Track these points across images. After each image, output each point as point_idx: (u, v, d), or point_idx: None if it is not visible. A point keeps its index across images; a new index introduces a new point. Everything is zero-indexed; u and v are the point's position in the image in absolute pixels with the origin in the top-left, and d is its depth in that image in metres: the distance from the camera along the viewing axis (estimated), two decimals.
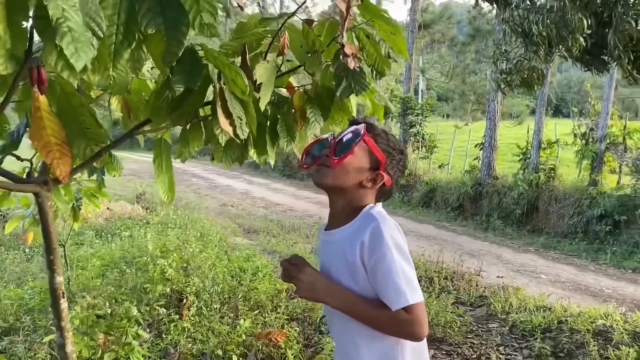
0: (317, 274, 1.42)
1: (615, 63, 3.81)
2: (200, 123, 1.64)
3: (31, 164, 1.76)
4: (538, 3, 3.78)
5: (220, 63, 1.32)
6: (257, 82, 1.46)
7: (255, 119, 1.50)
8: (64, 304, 1.82)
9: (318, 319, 4.22)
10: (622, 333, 4.07)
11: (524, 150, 11.52)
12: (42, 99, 1.29)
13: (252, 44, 1.62)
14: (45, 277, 4.61)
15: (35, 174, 1.80)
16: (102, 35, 1.06)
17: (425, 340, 1.41)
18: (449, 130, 18.26)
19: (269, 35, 1.58)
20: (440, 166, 14.74)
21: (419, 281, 5.76)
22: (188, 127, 1.64)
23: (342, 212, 1.44)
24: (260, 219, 10.11)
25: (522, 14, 3.61)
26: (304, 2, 1.63)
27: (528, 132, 11.95)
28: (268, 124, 1.74)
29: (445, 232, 10.00)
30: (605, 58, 3.89)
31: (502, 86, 4.13)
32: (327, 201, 1.49)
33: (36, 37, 1.19)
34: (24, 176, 1.79)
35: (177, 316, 3.73)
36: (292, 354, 3.42)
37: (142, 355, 2.88)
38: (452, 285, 5.80)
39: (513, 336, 4.46)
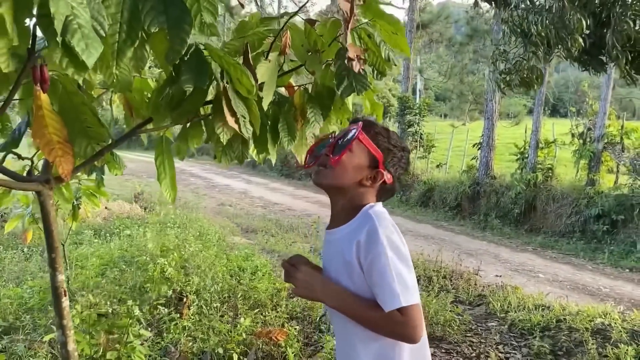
0: (314, 272, 1.42)
1: (613, 63, 3.83)
2: (200, 122, 1.65)
3: (32, 162, 1.76)
4: (537, 3, 3.80)
5: (226, 62, 1.33)
6: (259, 82, 1.47)
7: (258, 117, 1.51)
8: (65, 302, 1.82)
9: (318, 318, 4.23)
10: (621, 331, 4.09)
11: (522, 149, 11.55)
12: (44, 97, 1.29)
13: (253, 43, 1.63)
14: (44, 276, 4.63)
15: (36, 172, 1.80)
16: (104, 35, 1.07)
17: (425, 341, 1.41)
18: (447, 130, 18.29)
19: (271, 35, 1.59)
20: (438, 166, 14.75)
21: (418, 280, 5.79)
22: (188, 125, 1.65)
23: (342, 211, 1.44)
24: (258, 218, 10.11)
25: (522, 14, 3.62)
26: (307, 2, 1.64)
27: (526, 131, 11.98)
28: (269, 123, 1.75)
29: (443, 232, 10.02)
30: (603, 58, 3.92)
31: (502, 86, 4.14)
32: (325, 200, 1.48)
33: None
34: (25, 174, 1.79)
35: (178, 315, 3.73)
36: (292, 353, 3.43)
37: (143, 354, 2.88)
38: (451, 284, 5.81)
39: (512, 335, 4.48)
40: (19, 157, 1.74)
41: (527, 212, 10.74)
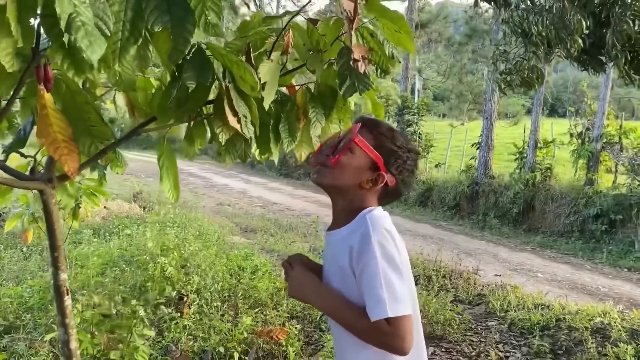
0: (307, 274, 1.39)
1: (612, 63, 3.84)
2: (204, 121, 1.65)
3: (35, 160, 1.77)
4: (538, 3, 3.81)
5: (229, 60, 1.33)
6: (262, 81, 1.47)
7: (258, 117, 1.51)
8: (68, 300, 1.82)
9: (318, 317, 4.23)
10: (620, 331, 4.10)
11: (521, 149, 11.57)
12: (48, 96, 1.30)
13: (256, 42, 1.63)
14: (44, 276, 4.62)
15: (40, 168, 1.80)
16: (109, 34, 1.07)
17: (422, 350, 1.39)
18: (445, 129, 18.30)
19: (273, 34, 1.59)
20: (436, 165, 14.77)
21: (417, 280, 5.83)
22: (192, 124, 1.65)
23: (341, 212, 1.41)
24: (257, 218, 10.11)
25: (522, 14, 3.63)
26: (309, 2, 1.65)
27: (524, 131, 11.99)
28: (272, 122, 1.75)
29: (442, 231, 10.03)
30: (603, 58, 3.92)
31: (502, 86, 4.16)
32: (324, 200, 1.47)
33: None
34: (27, 173, 1.80)
35: (178, 314, 3.74)
36: (293, 352, 3.44)
37: (147, 355, 2.89)
38: (451, 284, 5.82)
39: (512, 334, 4.49)
40: (22, 155, 1.74)
41: (526, 211, 10.76)
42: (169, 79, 1.52)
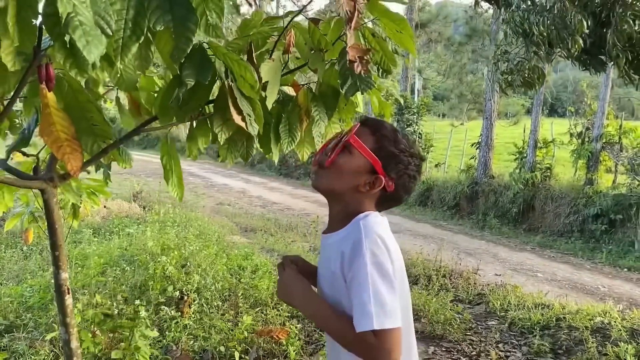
0: (297, 277, 1.34)
1: (612, 63, 3.84)
2: (206, 120, 1.65)
3: (37, 159, 1.77)
4: (538, 3, 3.81)
5: (230, 59, 1.33)
6: (263, 81, 1.47)
7: (261, 116, 1.51)
8: (69, 299, 1.82)
9: None
10: (620, 330, 4.11)
11: (520, 149, 11.57)
12: (50, 95, 1.30)
13: (257, 42, 1.63)
14: (44, 275, 4.62)
15: (44, 167, 1.81)
16: (110, 34, 1.07)
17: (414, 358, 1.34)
18: (445, 129, 18.31)
19: (275, 34, 1.59)
20: (436, 165, 14.78)
21: (417, 279, 5.83)
22: (195, 124, 1.65)
23: (337, 216, 1.36)
24: (257, 217, 10.11)
25: (523, 15, 3.64)
26: (310, 1, 1.65)
27: (524, 131, 12.00)
28: (273, 122, 1.75)
29: (442, 231, 10.03)
30: (604, 58, 3.93)
31: (504, 86, 4.16)
32: (324, 200, 1.42)
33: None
34: (31, 172, 1.80)
35: (179, 313, 3.74)
36: (293, 351, 3.44)
37: (148, 355, 2.89)
38: (451, 283, 5.82)
39: (512, 333, 4.50)
40: (24, 154, 1.74)
41: (526, 211, 10.76)
42: (171, 78, 1.52)
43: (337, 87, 1.59)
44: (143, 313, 3.02)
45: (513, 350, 4.15)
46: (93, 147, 1.52)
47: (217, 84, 1.50)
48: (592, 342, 3.94)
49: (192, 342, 3.51)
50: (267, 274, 4.95)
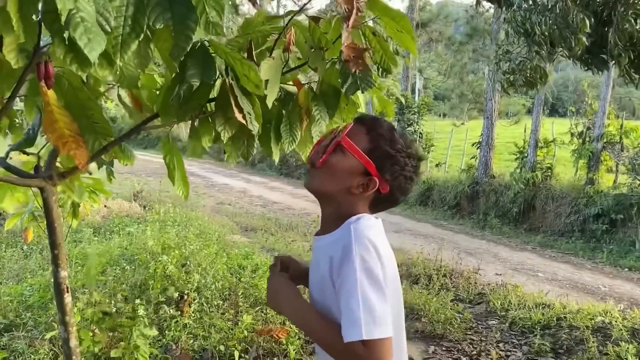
0: (284, 284, 1.28)
1: (613, 62, 3.84)
2: (208, 119, 1.64)
3: (38, 158, 1.76)
4: (540, 3, 3.80)
5: (232, 58, 1.32)
6: (262, 79, 1.46)
7: (260, 115, 1.50)
8: (68, 298, 1.82)
9: None
10: (621, 330, 4.10)
11: (521, 149, 11.56)
12: (51, 93, 1.30)
13: (257, 40, 1.62)
14: (44, 274, 4.62)
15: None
16: (109, 30, 1.07)
17: None
18: (446, 129, 18.30)
19: (275, 32, 1.58)
20: (437, 165, 14.77)
21: (418, 279, 5.83)
22: (197, 123, 1.65)
23: (329, 218, 1.30)
24: (258, 217, 10.11)
25: (525, 14, 3.63)
26: (309, 0, 1.64)
27: (525, 131, 11.99)
28: (273, 121, 1.74)
29: (443, 231, 10.02)
30: (605, 57, 3.92)
31: (505, 86, 4.16)
32: None
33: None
34: (32, 171, 1.80)
35: (179, 313, 3.74)
36: (293, 350, 3.44)
37: (147, 354, 2.88)
38: (451, 283, 5.82)
39: (512, 333, 4.49)
40: (25, 153, 1.74)
41: (526, 211, 10.75)
42: (171, 76, 1.52)
43: (338, 86, 1.59)
44: (142, 312, 3.01)
45: (514, 349, 4.15)
46: (94, 145, 1.52)
47: (218, 82, 1.50)
48: (593, 342, 3.93)
49: (191, 341, 3.51)
50: (268, 273, 4.94)
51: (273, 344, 3.54)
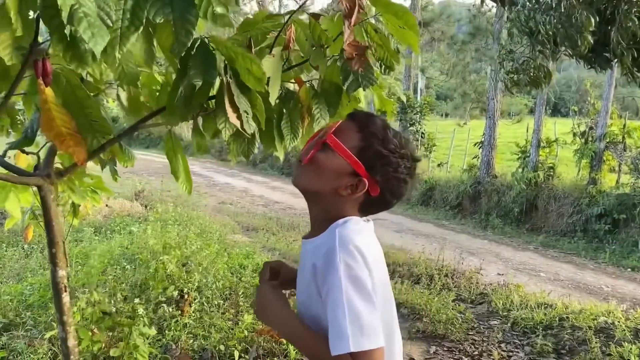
0: (272, 295, 1.21)
1: (616, 60, 3.81)
2: (211, 115, 1.63)
3: (38, 157, 1.75)
4: (543, 2, 3.78)
5: (234, 53, 1.31)
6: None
7: (263, 112, 1.48)
8: (66, 297, 1.80)
9: None
10: (624, 330, 4.08)
11: (523, 149, 11.53)
12: (49, 91, 1.28)
13: (257, 37, 1.61)
14: (45, 273, 4.61)
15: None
16: (111, 24, 1.06)
17: None
18: (448, 129, 18.27)
19: (275, 30, 1.57)
20: (439, 165, 14.75)
21: (420, 279, 5.81)
22: (201, 121, 1.63)
23: (316, 219, 1.23)
24: (259, 216, 10.10)
25: (528, 13, 3.61)
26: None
27: (527, 130, 11.96)
28: (275, 118, 1.73)
29: (445, 231, 10.01)
30: (609, 55, 3.89)
31: (509, 85, 4.14)
32: None
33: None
34: (32, 170, 1.78)
35: (179, 312, 3.72)
36: (293, 350, 3.42)
37: (147, 354, 2.87)
38: (453, 283, 5.80)
39: (514, 333, 4.47)
40: (24, 152, 1.73)
41: (529, 211, 10.72)
42: (173, 74, 1.50)
43: (339, 84, 1.57)
44: (141, 311, 3.00)
45: (516, 350, 4.13)
46: (92, 143, 1.51)
47: (218, 79, 1.48)
48: (596, 342, 3.91)
49: (191, 341, 3.49)
50: None
51: (273, 344, 3.53)
